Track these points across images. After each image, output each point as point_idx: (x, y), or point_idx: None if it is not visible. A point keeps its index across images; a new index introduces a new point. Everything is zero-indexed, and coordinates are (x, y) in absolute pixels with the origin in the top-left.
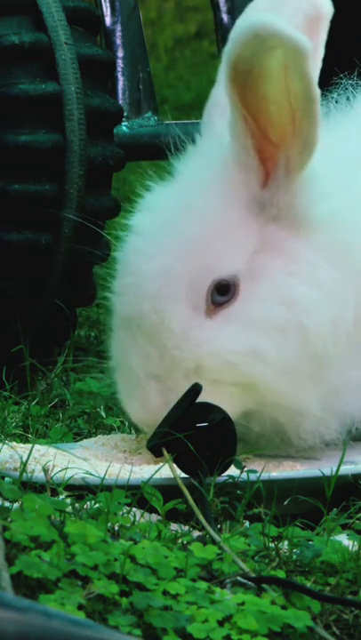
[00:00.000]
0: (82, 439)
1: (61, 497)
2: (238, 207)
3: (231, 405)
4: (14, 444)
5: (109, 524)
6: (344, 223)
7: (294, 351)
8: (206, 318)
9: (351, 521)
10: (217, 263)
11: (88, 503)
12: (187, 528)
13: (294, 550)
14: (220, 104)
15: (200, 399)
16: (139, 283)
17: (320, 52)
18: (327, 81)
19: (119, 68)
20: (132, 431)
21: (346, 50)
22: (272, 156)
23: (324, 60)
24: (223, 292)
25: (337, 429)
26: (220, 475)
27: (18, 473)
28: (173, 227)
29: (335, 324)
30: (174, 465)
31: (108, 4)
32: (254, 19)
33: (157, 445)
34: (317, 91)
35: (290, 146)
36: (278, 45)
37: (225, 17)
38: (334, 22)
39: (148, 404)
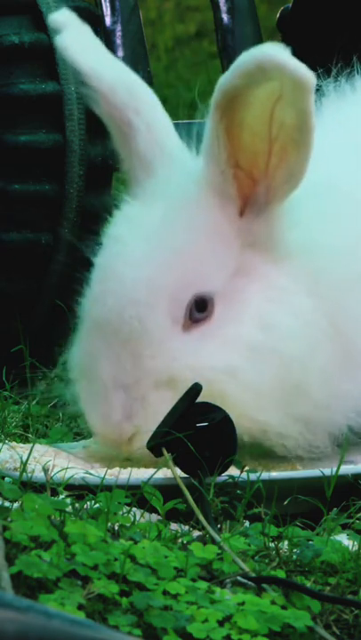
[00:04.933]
0: (82, 439)
1: (61, 497)
2: (217, 229)
3: None
4: (14, 443)
5: (109, 524)
6: (317, 249)
7: (270, 374)
8: (184, 333)
9: (351, 521)
10: (199, 279)
11: (88, 503)
12: (187, 528)
13: (294, 550)
14: None
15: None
16: (122, 289)
17: None
18: None
19: None
20: None
21: None
22: (251, 185)
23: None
24: (201, 309)
25: (324, 440)
26: (220, 474)
27: (18, 473)
28: (157, 239)
29: (312, 351)
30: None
31: (108, 4)
32: (259, 51)
33: (157, 445)
34: (314, 123)
35: (272, 175)
36: (277, 77)
37: (225, 17)
38: None
39: (111, 416)
